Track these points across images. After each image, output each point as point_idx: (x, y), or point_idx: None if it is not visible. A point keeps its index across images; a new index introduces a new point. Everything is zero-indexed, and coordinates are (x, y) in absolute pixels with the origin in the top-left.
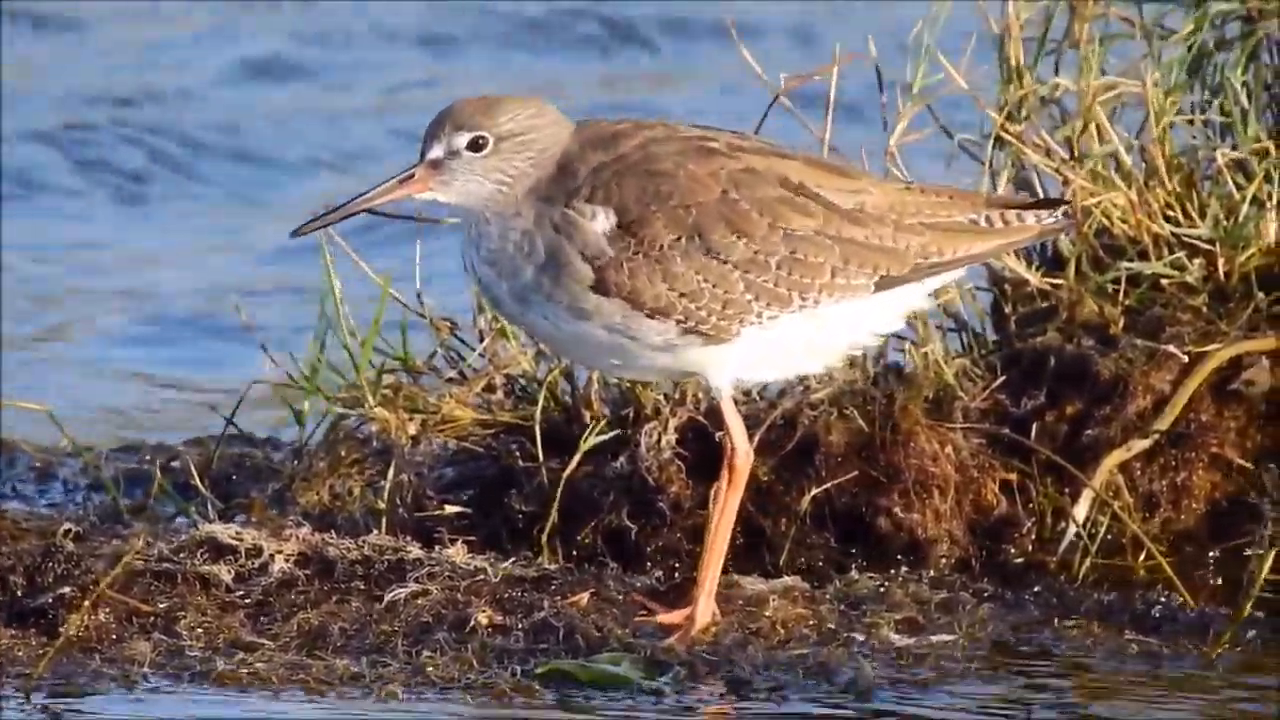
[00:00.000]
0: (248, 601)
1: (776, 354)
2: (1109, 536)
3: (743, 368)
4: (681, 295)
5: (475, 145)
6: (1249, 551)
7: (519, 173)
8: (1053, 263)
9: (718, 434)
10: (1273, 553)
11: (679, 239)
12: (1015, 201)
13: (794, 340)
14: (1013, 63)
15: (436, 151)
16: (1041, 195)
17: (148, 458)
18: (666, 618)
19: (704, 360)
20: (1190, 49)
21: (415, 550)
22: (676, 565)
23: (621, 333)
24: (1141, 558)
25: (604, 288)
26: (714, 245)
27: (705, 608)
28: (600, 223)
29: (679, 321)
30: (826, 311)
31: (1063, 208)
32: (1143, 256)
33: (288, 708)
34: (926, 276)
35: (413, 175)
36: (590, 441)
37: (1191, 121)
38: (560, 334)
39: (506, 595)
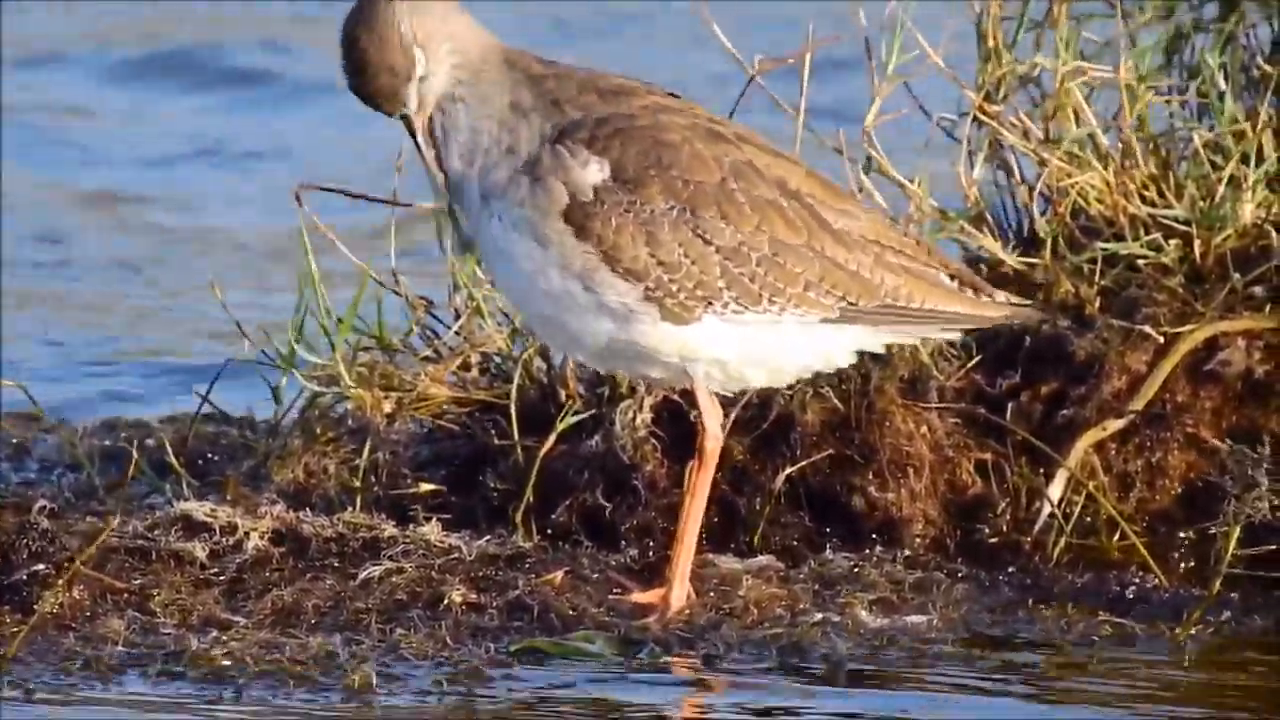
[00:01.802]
0: (222, 579)
1: (727, 351)
2: (1084, 517)
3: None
4: (660, 263)
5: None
6: (1214, 530)
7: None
8: (1028, 243)
9: (693, 413)
10: (1238, 530)
11: (671, 208)
12: (979, 282)
13: (746, 342)
14: (990, 42)
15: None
16: (1019, 177)
17: (123, 435)
18: (642, 597)
19: (657, 340)
20: (1166, 31)
21: (390, 528)
22: (651, 544)
23: (579, 281)
24: (1116, 538)
25: (584, 233)
26: (702, 224)
27: (680, 590)
28: (593, 173)
29: (648, 289)
30: (787, 323)
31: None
32: (1119, 237)
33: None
34: (890, 321)
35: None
36: (567, 421)
37: (1169, 102)
38: (509, 257)
39: (481, 573)
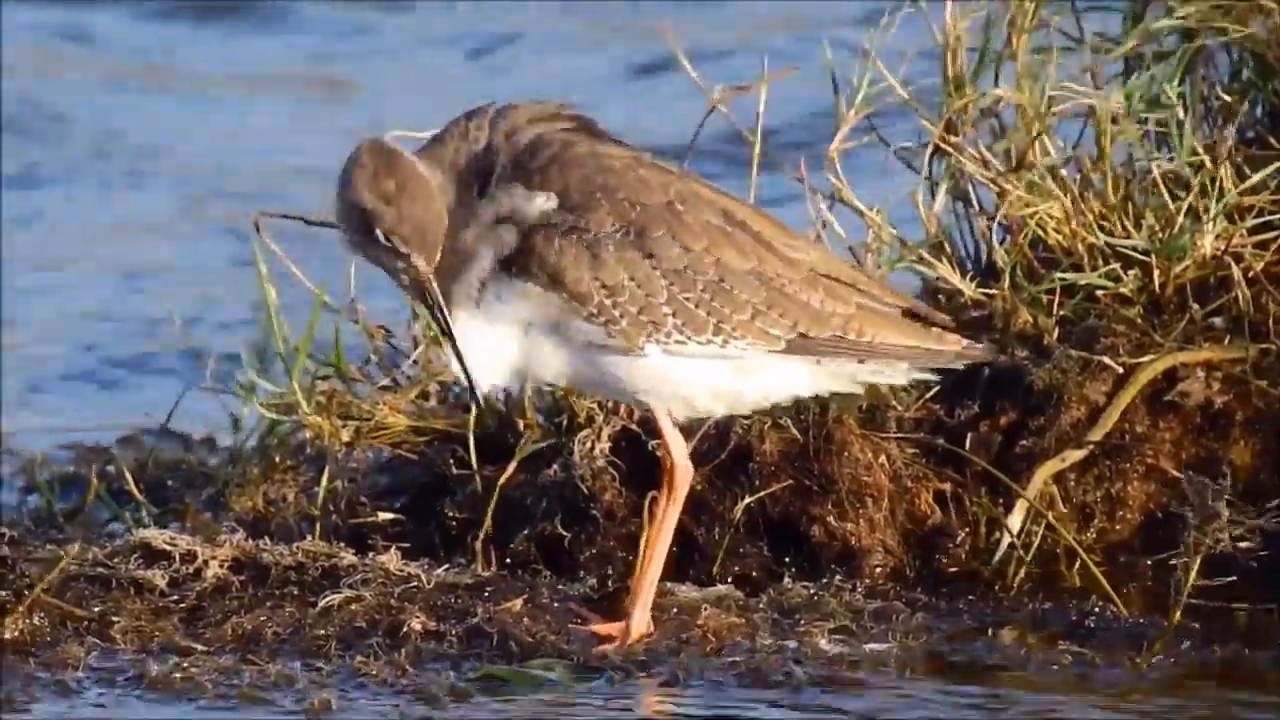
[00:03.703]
0: (182, 606)
1: (680, 385)
2: (1043, 547)
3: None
4: (603, 286)
5: None
6: (1174, 560)
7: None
8: (987, 273)
9: (651, 443)
10: (1199, 560)
11: (617, 229)
12: (935, 317)
13: (695, 374)
14: (951, 74)
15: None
16: (978, 207)
17: (83, 461)
18: (601, 628)
19: (620, 372)
20: (1127, 65)
21: (349, 556)
22: (610, 572)
23: (546, 315)
24: (1076, 568)
25: (527, 264)
26: (650, 245)
27: (640, 619)
28: (539, 203)
29: (590, 316)
30: (734, 354)
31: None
32: (1077, 267)
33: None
34: (838, 353)
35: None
36: (526, 450)
37: (1130, 134)
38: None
39: (440, 601)
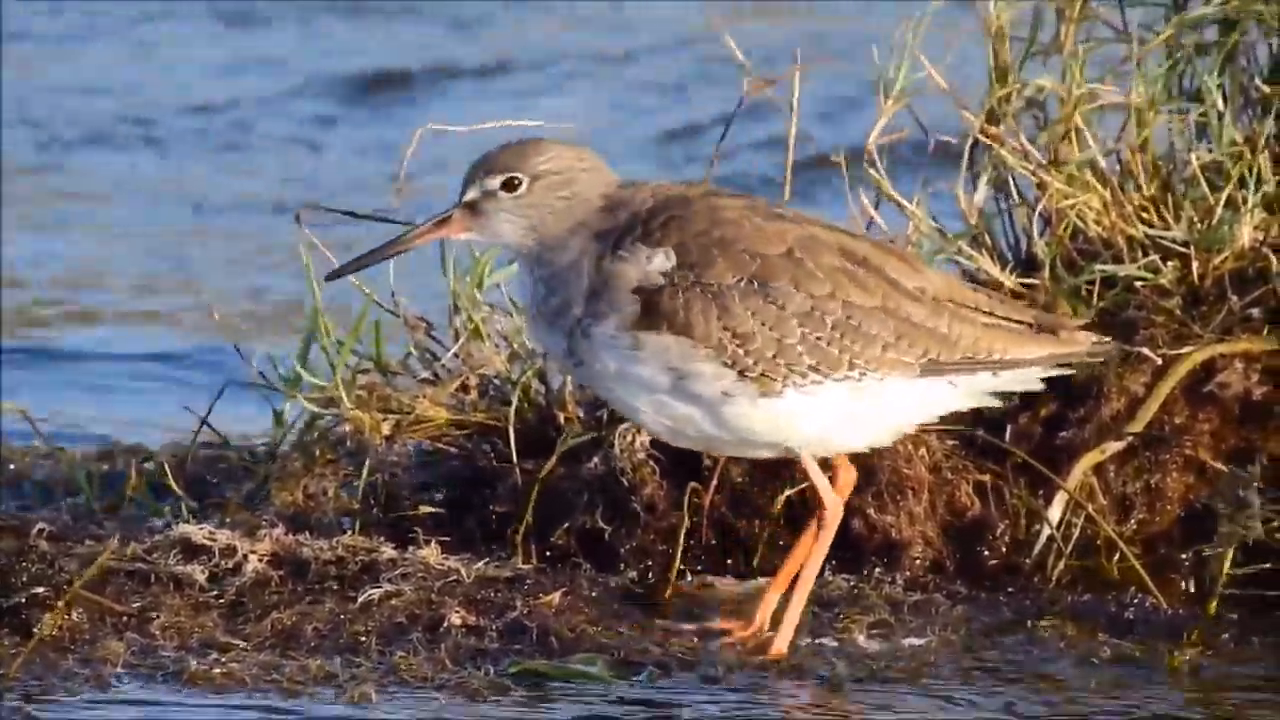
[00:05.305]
0: (221, 602)
1: (821, 420)
2: (1083, 538)
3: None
4: (734, 336)
5: (509, 185)
6: (1208, 552)
7: (554, 210)
8: (1027, 264)
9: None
10: (1231, 552)
11: (740, 280)
12: (1059, 323)
13: (833, 410)
14: (993, 64)
15: (472, 194)
16: (1018, 199)
17: (122, 458)
18: (742, 634)
19: (758, 419)
20: (1169, 55)
21: (389, 551)
22: (650, 566)
23: (677, 373)
24: (1115, 559)
25: (654, 319)
26: (774, 292)
27: (787, 637)
28: (659, 262)
29: (727, 365)
30: (869, 386)
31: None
32: (1117, 259)
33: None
34: (970, 371)
35: (449, 217)
36: (568, 444)
37: (1171, 127)
38: (610, 377)
39: (480, 595)
